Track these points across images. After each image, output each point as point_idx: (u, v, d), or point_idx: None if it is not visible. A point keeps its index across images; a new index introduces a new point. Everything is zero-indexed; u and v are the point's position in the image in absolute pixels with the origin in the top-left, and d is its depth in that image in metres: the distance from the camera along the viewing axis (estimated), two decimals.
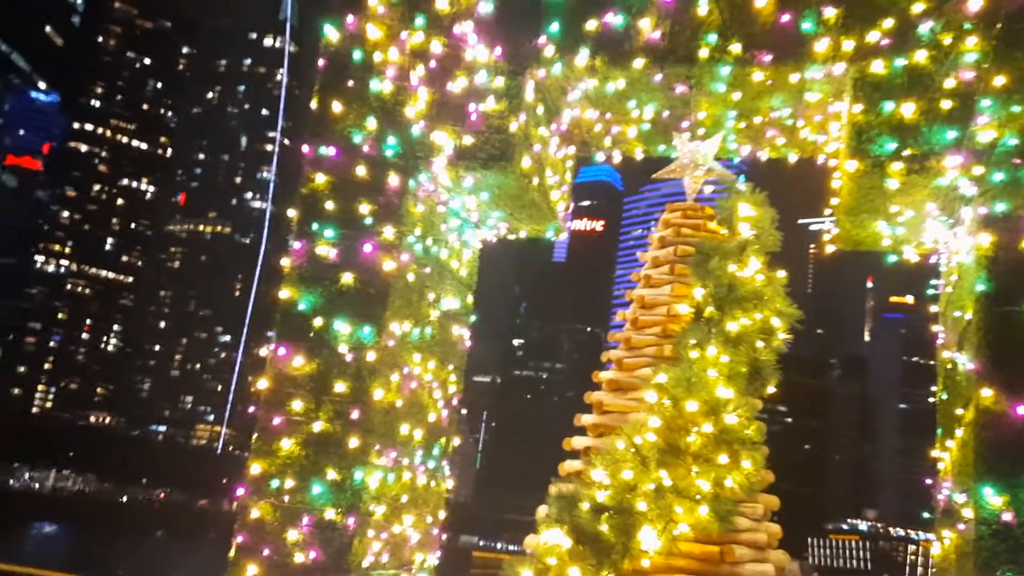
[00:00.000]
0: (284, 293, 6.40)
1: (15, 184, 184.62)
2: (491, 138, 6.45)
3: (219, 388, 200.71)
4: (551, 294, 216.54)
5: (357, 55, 6.75)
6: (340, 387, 6.11)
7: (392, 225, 6.41)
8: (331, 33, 6.88)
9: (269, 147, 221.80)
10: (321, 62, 6.93)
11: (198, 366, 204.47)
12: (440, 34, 6.65)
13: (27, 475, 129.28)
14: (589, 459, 5.90)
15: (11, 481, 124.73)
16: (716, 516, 5.31)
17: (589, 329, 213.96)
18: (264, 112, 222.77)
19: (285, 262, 6.52)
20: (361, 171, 6.53)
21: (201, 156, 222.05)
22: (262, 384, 6.28)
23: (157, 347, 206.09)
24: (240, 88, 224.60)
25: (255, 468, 6.08)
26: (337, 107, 6.70)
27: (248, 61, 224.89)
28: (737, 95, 6.61)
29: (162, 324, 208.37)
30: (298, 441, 6.05)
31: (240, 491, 6.13)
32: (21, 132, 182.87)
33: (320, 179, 6.59)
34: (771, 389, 5.92)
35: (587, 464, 5.91)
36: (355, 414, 6.04)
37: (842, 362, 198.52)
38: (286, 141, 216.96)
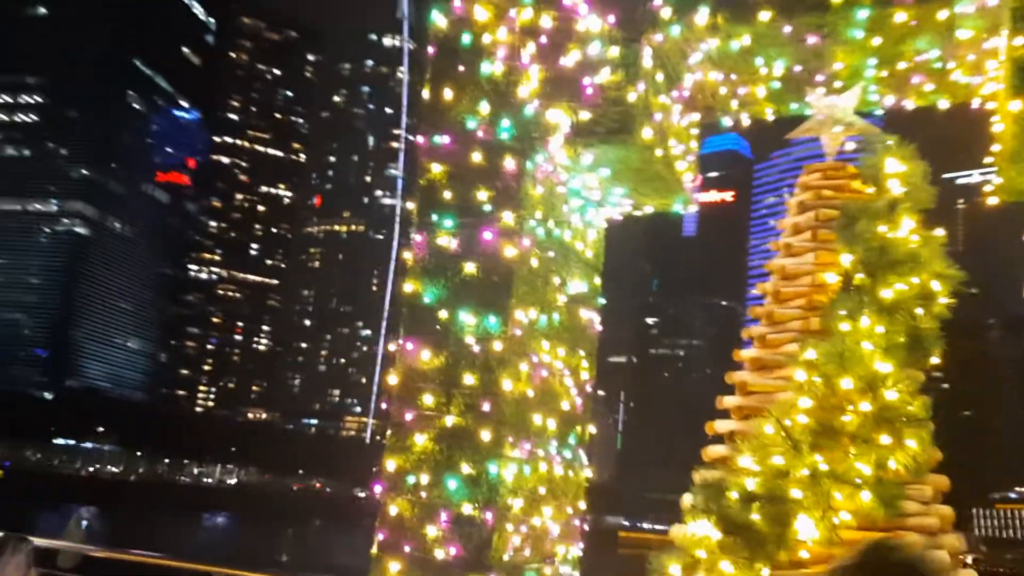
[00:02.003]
0: (408, 287, 6.32)
1: (167, 199, 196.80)
2: (609, 111, 6.13)
3: (363, 381, 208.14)
4: (683, 269, 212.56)
5: (466, 39, 6.57)
6: (469, 379, 5.97)
7: (511, 210, 6.20)
8: (439, 19, 6.73)
9: (395, 144, 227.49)
10: (431, 50, 6.79)
11: (343, 360, 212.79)
12: (550, 8, 6.38)
13: (195, 470, 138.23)
14: (735, 444, 5.55)
15: (181, 476, 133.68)
16: (880, 501, 4.88)
17: (724, 303, 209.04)
18: (388, 110, 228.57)
19: (408, 255, 6.44)
20: (477, 157, 6.35)
21: (332, 158, 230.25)
22: (392, 379, 6.23)
23: (304, 344, 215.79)
24: (365, 89, 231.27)
25: (391, 464, 6.03)
26: (449, 94, 6.55)
27: (370, 62, 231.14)
28: (877, 40, 6.03)
29: (307, 322, 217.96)
30: (431, 436, 5.95)
31: (378, 487, 6.10)
32: (168, 149, 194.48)
33: (436, 169, 6.45)
34: (934, 359, 5.39)
35: (733, 449, 5.56)
36: (486, 406, 5.88)
37: (1002, 322, 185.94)
38: (411, 137, 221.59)
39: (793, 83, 6.58)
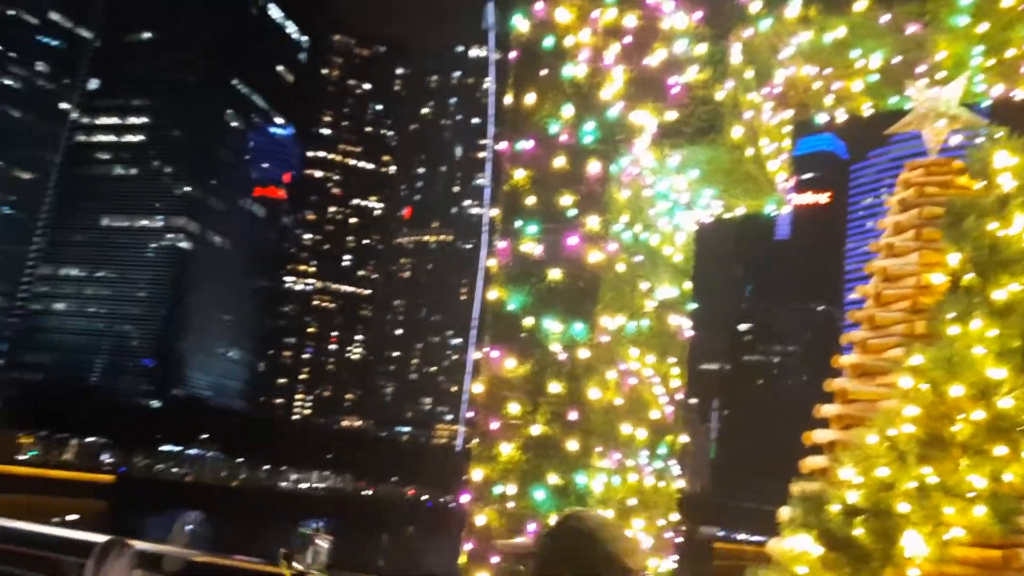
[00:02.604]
0: (493, 294, 6.26)
1: (263, 213, 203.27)
2: (696, 110, 5.95)
3: (453, 389, 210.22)
4: (777, 273, 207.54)
5: (548, 42, 6.49)
6: (555, 388, 5.86)
7: (596, 214, 6.08)
8: (520, 24, 6.67)
9: (482, 154, 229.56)
10: (513, 55, 6.74)
11: (433, 369, 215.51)
12: (634, 7, 6.24)
13: (293, 476, 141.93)
14: (835, 455, 5.28)
15: (281, 482, 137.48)
16: (995, 516, 4.56)
17: (820, 308, 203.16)
18: (475, 120, 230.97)
19: (492, 262, 6.38)
20: (560, 161, 6.25)
21: (421, 170, 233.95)
22: (477, 388, 6.17)
23: (396, 353, 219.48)
24: (452, 100, 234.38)
25: (477, 474, 5.97)
26: (531, 98, 6.47)
27: (457, 73, 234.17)
28: (983, 27, 5.69)
29: (399, 331, 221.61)
30: (517, 445, 5.86)
31: (464, 497, 6.05)
32: (265, 165, 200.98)
33: (519, 174, 6.38)
34: None
35: (833, 460, 5.29)
36: (573, 415, 5.77)
37: None
38: (497, 147, 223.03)
39: (892, 75, 6.26)
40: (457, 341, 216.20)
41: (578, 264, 6.01)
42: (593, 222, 6.04)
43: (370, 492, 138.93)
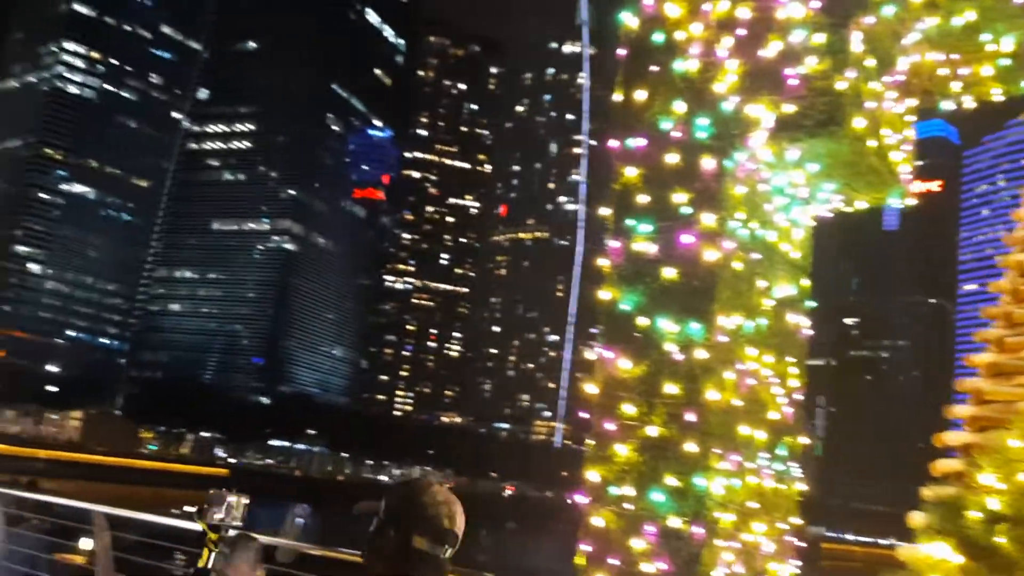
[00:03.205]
0: (605, 294, 6.20)
1: (364, 214, 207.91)
2: (816, 102, 5.75)
3: (551, 385, 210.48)
4: (884, 266, 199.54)
5: (658, 37, 6.39)
6: (672, 388, 5.77)
7: (711, 211, 5.95)
8: (629, 20, 6.59)
9: (577, 150, 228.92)
10: (621, 51, 6.66)
11: (531, 366, 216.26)
12: None
13: (395, 471, 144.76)
14: (972, 459, 5.02)
15: (382, 477, 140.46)
16: None
17: (932, 301, 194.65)
18: (570, 116, 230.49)
19: (604, 262, 6.31)
20: (673, 158, 6.14)
21: (516, 167, 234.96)
22: (592, 388, 6.13)
23: (493, 350, 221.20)
24: (546, 97, 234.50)
25: (592, 475, 5.93)
26: (641, 95, 6.39)
27: (551, 70, 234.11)
28: None
29: (496, 328, 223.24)
30: (633, 446, 5.80)
31: (579, 497, 6.02)
32: (364, 167, 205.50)
33: (631, 172, 6.30)
34: None
35: (969, 464, 5.03)
36: (690, 416, 5.66)
37: None
38: (593, 142, 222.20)
39: None
40: (554, 338, 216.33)
41: (693, 262, 5.89)
42: (709, 219, 5.91)
43: (470, 487, 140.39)
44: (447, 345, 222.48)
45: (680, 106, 6.19)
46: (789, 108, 5.83)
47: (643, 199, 6.19)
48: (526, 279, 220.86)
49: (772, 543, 6.06)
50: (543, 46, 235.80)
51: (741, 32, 6.06)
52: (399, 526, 2.33)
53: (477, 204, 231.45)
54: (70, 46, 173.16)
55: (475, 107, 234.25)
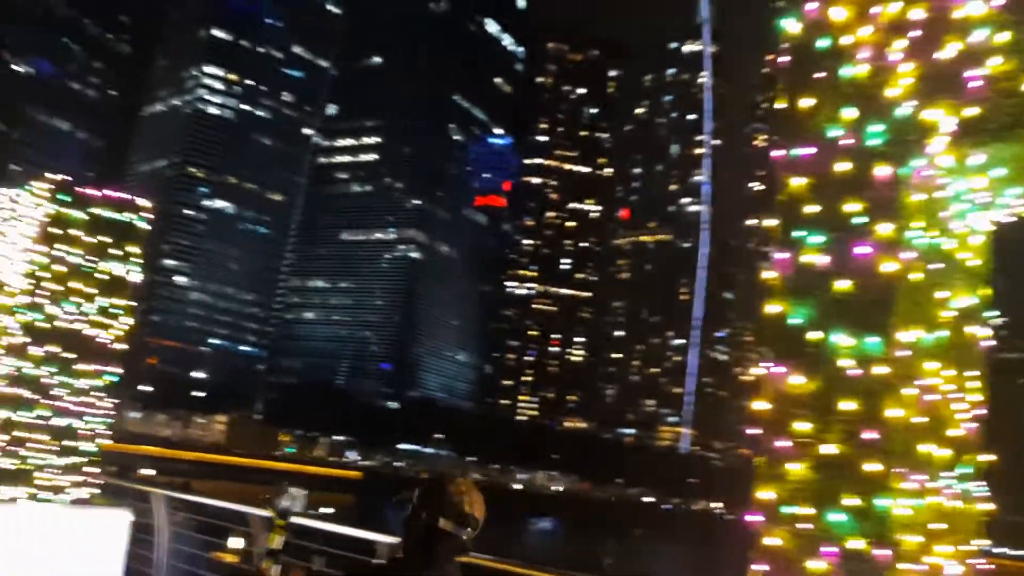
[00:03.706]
0: (773, 307, 6.06)
1: (485, 221, 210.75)
2: (1000, 104, 5.45)
3: (676, 390, 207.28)
4: None
5: (823, 43, 6.21)
6: (848, 405, 5.59)
7: (887, 221, 5.73)
8: (791, 26, 6.44)
9: (699, 150, 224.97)
10: (784, 59, 6.51)
11: (655, 370, 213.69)
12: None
13: (520, 476, 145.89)
14: None
15: (508, 481, 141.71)
16: None
17: None
18: (691, 117, 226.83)
19: (770, 275, 6.18)
20: (843, 167, 5.95)
21: (637, 170, 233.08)
22: (761, 405, 6.00)
23: (617, 355, 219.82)
24: (666, 98, 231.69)
25: (765, 494, 5.81)
26: (807, 103, 6.22)
27: (672, 70, 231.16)
28: None
29: (619, 333, 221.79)
30: (808, 465, 5.65)
31: (751, 517, 5.90)
32: (486, 175, 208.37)
33: (797, 182, 6.15)
34: None
35: None
36: (870, 434, 5.47)
37: None
38: (716, 142, 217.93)
39: None
40: (679, 341, 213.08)
41: (869, 274, 5.69)
42: (884, 229, 5.70)
43: (595, 493, 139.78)
44: (569, 350, 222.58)
45: (850, 112, 5.99)
46: (971, 111, 5.55)
47: (812, 209, 6.03)
48: (649, 282, 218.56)
49: (958, 566, 5.78)
50: (663, 46, 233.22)
51: (915, 34, 5.82)
52: (429, 511, 2.87)
53: (598, 208, 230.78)
54: (210, 69, 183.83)
55: (594, 111, 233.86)
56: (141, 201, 6.98)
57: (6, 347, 6.52)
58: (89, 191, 6.73)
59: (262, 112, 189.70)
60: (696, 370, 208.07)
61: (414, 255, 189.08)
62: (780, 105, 6.43)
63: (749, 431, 6.21)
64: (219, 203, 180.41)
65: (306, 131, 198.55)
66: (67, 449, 6.55)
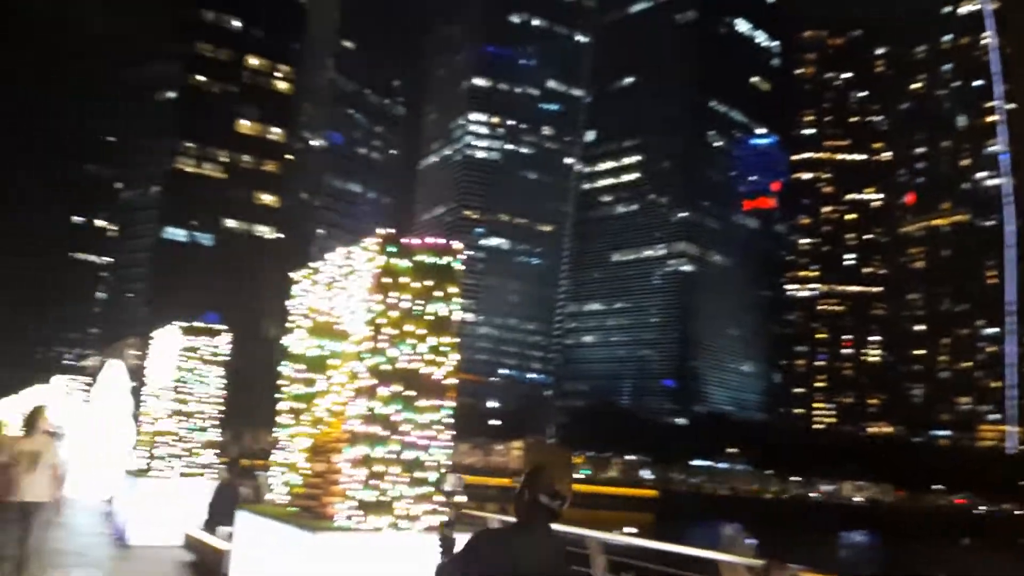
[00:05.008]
0: None
1: (757, 225, 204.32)
2: None
3: (994, 384, 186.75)
4: None
5: None
6: None
7: None
8: None
9: (991, 118, 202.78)
10: None
11: (967, 364, 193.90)
12: None
13: (824, 487, 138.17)
14: None
15: (811, 493, 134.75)
16: None
17: None
18: (977, 83, 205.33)
19: None
20: None
21: (920, 150, 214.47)
22: None
23: (920, 351, 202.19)
24: (945, 67, 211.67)
25: None
26: None
27: (948, 36, 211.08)
28: None
29: (919, 327, 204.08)
30: None
31: None
32: (751, 178, 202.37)
33: None
34: None
35: None
36: None
37: None
38: (1011, 105, 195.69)
39: None
40: (991, 331, 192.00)
41: None
42: None
43: (911, 502, 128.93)
44: (865, 350, 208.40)
45: None
46: None
47: None
48: (948, 269, 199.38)
49: None
50: (935, 12, 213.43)
51: None
52: (530, 490, 3.53)
53: (880, 196, 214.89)
54: (474, 116, 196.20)
55: (863, 94, 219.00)
56: (456, 244, 7.76)
57: (357, 390, 7.45)
58: (413, 240, 7.57)
59: (525, 149, 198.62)
60: (1016, 359, 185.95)
61: (686, 268, 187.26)
62: None
63: None
64: (494, 240, 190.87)
65: (568, 160, 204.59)
66: (417, 480, 7.36)
